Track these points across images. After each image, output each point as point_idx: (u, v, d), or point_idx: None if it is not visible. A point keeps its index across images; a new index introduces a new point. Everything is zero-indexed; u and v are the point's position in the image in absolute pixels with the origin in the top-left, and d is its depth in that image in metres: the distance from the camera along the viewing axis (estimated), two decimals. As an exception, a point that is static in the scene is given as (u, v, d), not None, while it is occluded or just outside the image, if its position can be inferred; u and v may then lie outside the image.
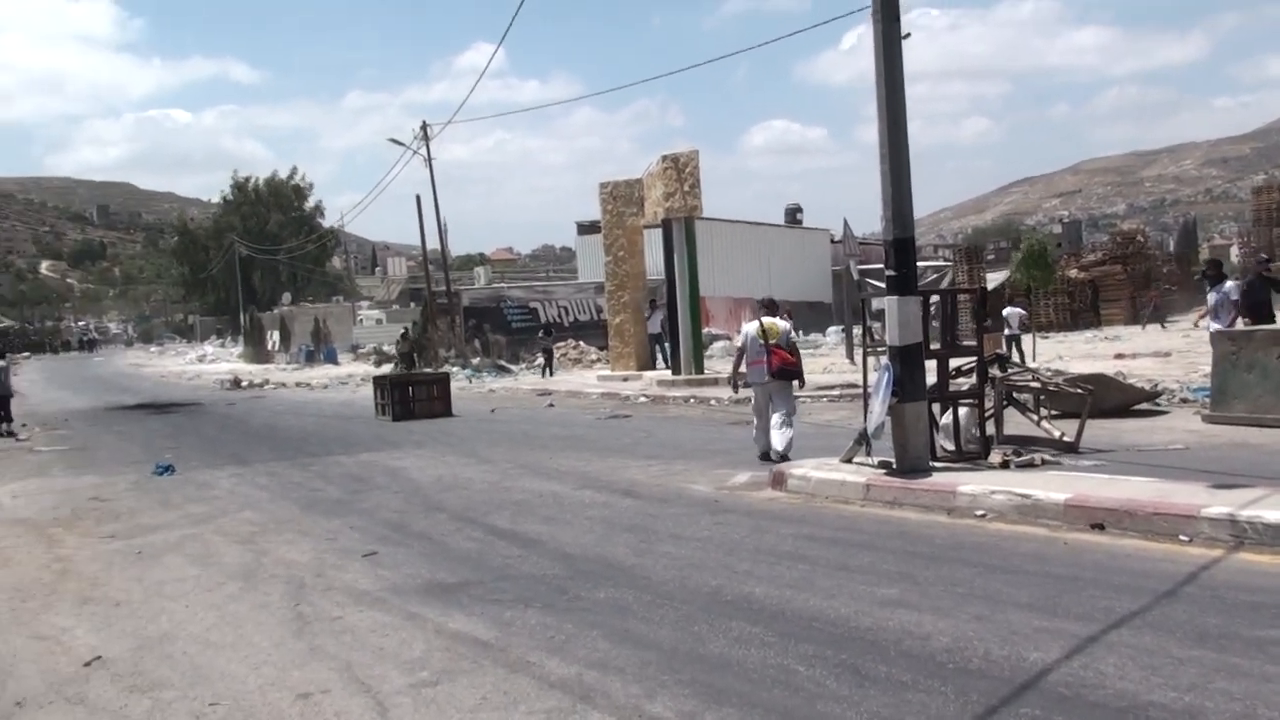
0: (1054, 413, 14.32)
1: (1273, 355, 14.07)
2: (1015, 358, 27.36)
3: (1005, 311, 31.72)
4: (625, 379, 30.77)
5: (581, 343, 46.08)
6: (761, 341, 13.83)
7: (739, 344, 15.14)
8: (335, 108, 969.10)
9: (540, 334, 44.37)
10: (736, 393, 16.40)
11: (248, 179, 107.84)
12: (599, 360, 40.59)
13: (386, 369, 41.56)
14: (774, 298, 15.30)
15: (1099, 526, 8.49)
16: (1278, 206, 69.43)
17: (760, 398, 13.88)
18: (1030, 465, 11.26)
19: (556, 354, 41.40)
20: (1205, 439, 13.25)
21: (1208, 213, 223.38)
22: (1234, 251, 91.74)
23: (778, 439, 13.44)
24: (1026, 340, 31.57)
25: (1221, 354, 14.88)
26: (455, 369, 39.43)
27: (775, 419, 13.64)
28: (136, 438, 22.42)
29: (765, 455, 13.55)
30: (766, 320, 14.06)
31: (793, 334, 14.47)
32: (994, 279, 50.33)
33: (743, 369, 14.49)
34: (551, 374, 37.74)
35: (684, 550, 8.68)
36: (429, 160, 48.02)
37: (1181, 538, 7.96)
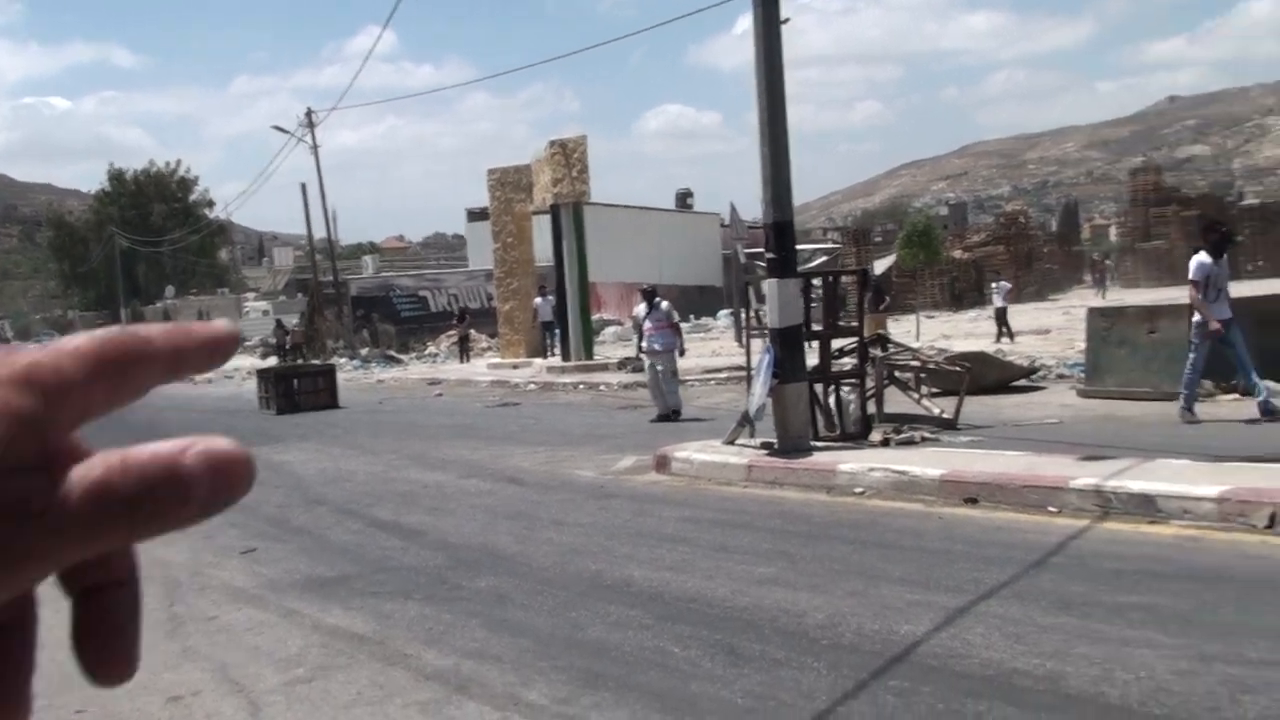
0: (935, 391, 14.56)
1: (1143, 331, 14.47)
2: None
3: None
4: (515, 366, 30.66)
5: (472, 330, 45.80)
6: (650, 322, 16.45)
7: (677, 319, 17.53)
8: (222, 93, 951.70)
9: (455, 320, 43.84)
10: (639, 357, 18.86)
11: (124, 171, 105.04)
12: (490, 348, 40.38)
13: (273, 361, 40.90)
14: (655, 286, 18.10)
15: (973, 500, 8.67)
16: (1154, 188, 71.57)
17: (650, 365, 16.39)
18: (910, 443, 11.44)
19: (446, 342, 41.13)
20: (1079, 413, 13.59)
21: (1088, 194, 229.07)
22: (1113, 232, 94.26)
23: (673, 400, 16.11)
24: (911, 320, 32.14)
25: (1095, 330, 15.28)
26: (343, 360, 38.93)
27: (667, 385, 16.11)
28: None
29: (664, 416, 15.98)
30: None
31: (674, 313, 17.26)
32: (882, 262, 51.10)
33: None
34: (467, 360, 37.43)
35: (566, 536, 8.67)
36: (314, 147, 47.27)
37: (1051, 509, 8.16)
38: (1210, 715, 4.26)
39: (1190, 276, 12.13)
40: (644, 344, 16.88)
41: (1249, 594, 5.75)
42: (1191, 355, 12.23)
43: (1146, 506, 7.72)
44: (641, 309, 17.20)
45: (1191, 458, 8.94)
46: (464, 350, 38.72)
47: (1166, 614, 5.53)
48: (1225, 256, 12.32)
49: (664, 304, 16.97)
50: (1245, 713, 4.25)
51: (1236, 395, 13.46)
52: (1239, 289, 22.45)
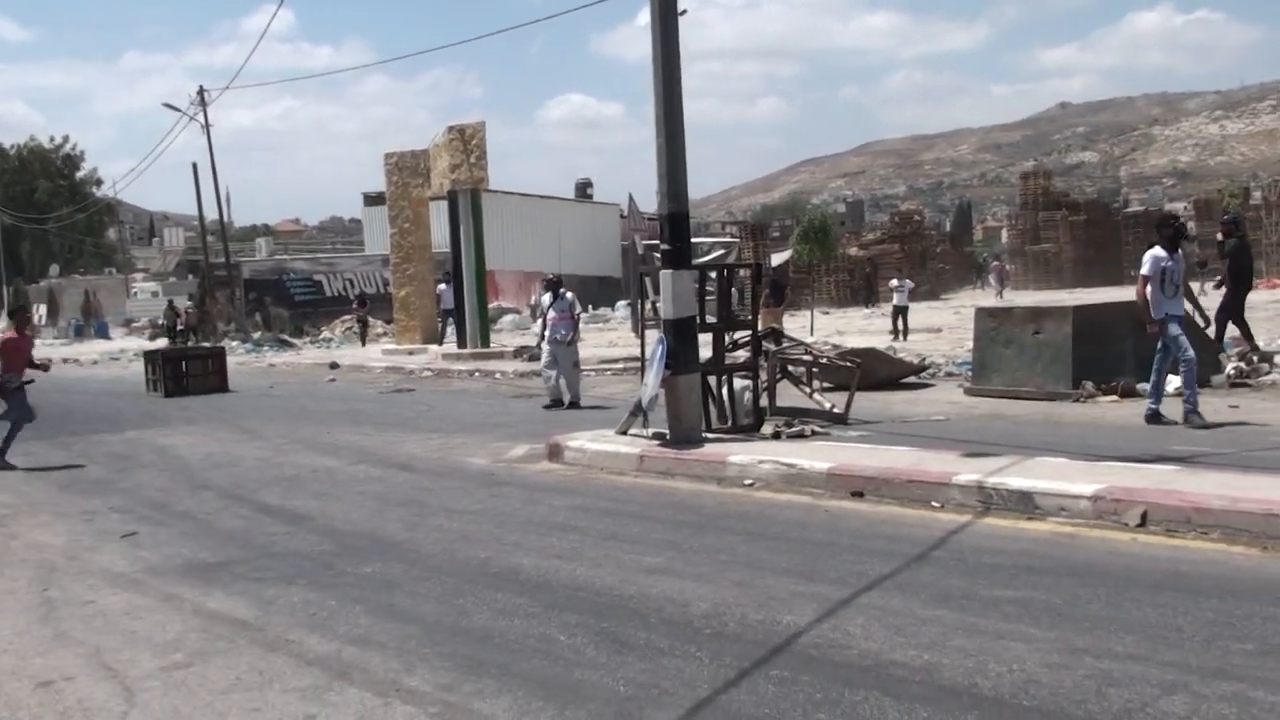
0: (826, 386, 14.73)
1: (1029, 331, 14.79)
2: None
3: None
4: (411, 352, 30.42)
5: (368, 316, 45.30)
6: (554, 312, 16.90)
7: (578, 310, 18.09)
8: (111, 69, 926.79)
9: (354, 304, 43.26)
10: (539, 346, 18.36)
11: (5, 146, 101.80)
12: (385, 334, 39.99)
13: (161, 343, 40.03)
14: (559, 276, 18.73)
15: (859, 494, 8.80)
16: (1044, 192, 73.26)
17: (552, 355, 16.66)
18: (801, 436, 11.57)
19: (340, 327, 40.65)
20: (965, 410, 13.87)
21: (981, 196, 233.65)
22: (1004, 234, 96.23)
23: (574, 390, 16.51)
24: (805, 316, 32.51)
25: (982, 330, 15.58)
26: (235, 343, 38.28)
27: (569, 376, 16.54)
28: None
29: (557, 402, 16.44)
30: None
31: (578, 305, 18.05)
32: (778, 256, 51.55)
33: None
34: (364, 345, 37.11)
35: (456, 524, 8.64)
36: (206, 127, 46.38)
37: (934, 504, 8.32)
38: (1077, 708, 4.38)
39: (1142, 271, 11.78)
40: (547, 333, 17.03)
41: (1119, 590, 5.92)
42: (1161, 354, 11.82)
43: (1025, 503, 7.91)
44: (547, 298, 17.59)
45: (1070, 456, 9.18)
46: (364, 334, 38.36)
47: (1040, 608, 5.68)
48: (1180, 251, 12.04)
49: (569, 295, 17.47)
50: (1110, 705, 4.38)
51: (1116, 397, 13.83)
52: (1121, 293, 23.03)
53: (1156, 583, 6.05)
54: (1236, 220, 18.66)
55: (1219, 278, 18.05)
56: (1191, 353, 11.56)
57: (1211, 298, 17.91)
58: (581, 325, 18.53)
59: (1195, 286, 16.14)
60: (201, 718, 4.82)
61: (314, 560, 7.67)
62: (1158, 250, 11.80)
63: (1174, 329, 11.59)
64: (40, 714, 4.99)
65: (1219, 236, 18.24)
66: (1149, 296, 11.62)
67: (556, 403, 16.50)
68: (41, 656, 5.81)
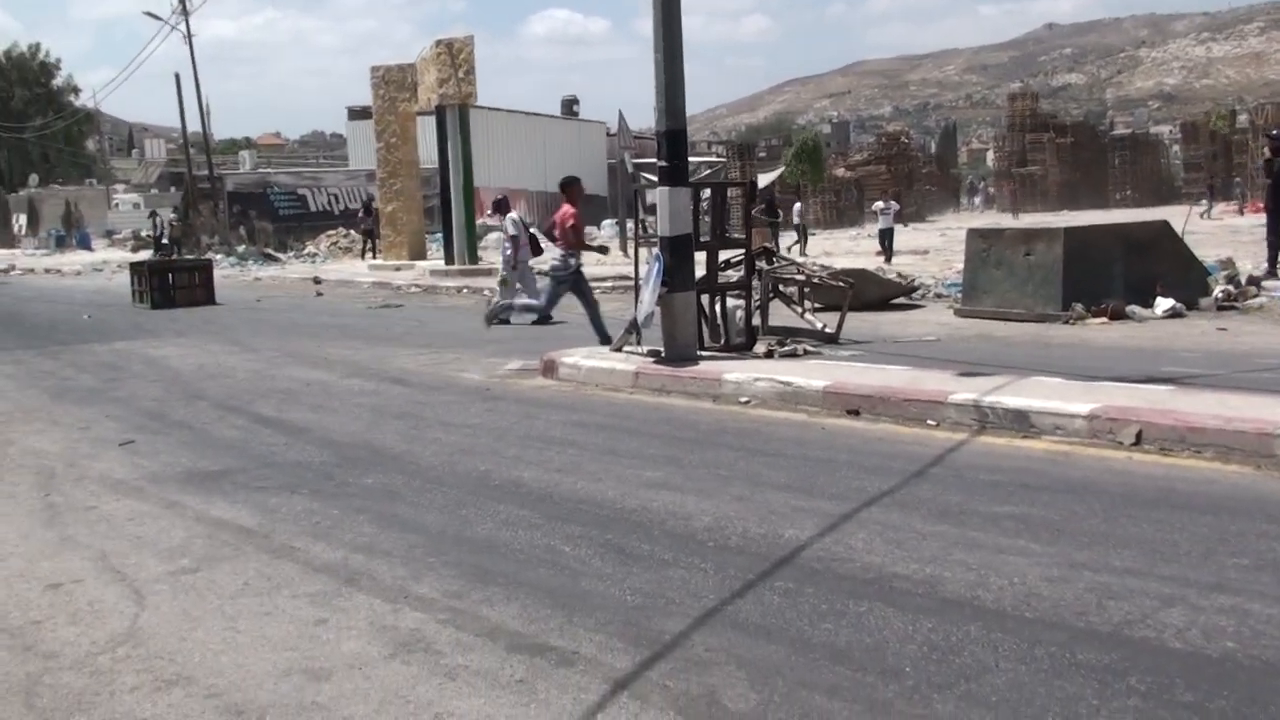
0: (817, 306, 14.77)
1: (1020, 253, 14.83)
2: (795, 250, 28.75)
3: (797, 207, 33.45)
4: (398, 268, 30.34)
5: (352, 231, 45.03)
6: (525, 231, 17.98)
7: (512, 232, 18.29)
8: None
9: (360, 213, 42.83)
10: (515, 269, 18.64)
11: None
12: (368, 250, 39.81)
13: (145, 255, 39.77)
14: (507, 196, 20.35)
15: (854, 412, 8.86)
16: (1030, 114, 72.92)
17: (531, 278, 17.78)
18: (793, 355, 11.61)
19: (325, 242, 40.38)
20: (956, 331, 13.94)
21: (967, 118, 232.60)
22: (990, 156, 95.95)
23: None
24: (794, 236, 32.50)
25: (973, 251, 15.61)
26: (219, 257, 38.05)
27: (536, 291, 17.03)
28: None
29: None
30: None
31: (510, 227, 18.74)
32: (765, 177, 51.31)
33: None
34: (375, 256, 36.66)
35: (454, 437, 8.67)
36: (188, 36, 45.90)
37: (930, 422, 8.38)
38: (1078, 619, 4.46)
39: None
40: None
41: (1115, 507, 6.00)
42: None
43: (1021, 422, 7.98)
44: (517, 217, 18.49)
45: (1064, 377, 9.25)
46: (372, 246, 37.74)
47: (1038, 524, 5.75)
48: None
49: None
50: (1111, 617, 4.46)
51: (1105, 319, 13.91)
52: (1107, 216, 23.04)
53: (1152, 499, 6.13)
54: None
55: (1205, 203, 18.03)
56: None
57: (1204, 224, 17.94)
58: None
59: (1196, 210, 16.18)
60: (212, 620, 4.87)
61: (314, 470, 7.70)
62: None
63: None
64: (52, 614, 5.03)
65: (1265, 153, 17.77)
66: None
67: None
68: (48, 560, 5.85)
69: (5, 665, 4.47)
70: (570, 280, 13.29)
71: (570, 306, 14.66)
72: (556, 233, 13.48)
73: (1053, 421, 7.84)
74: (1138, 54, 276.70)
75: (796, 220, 36.22)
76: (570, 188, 14.13)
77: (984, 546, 5.42)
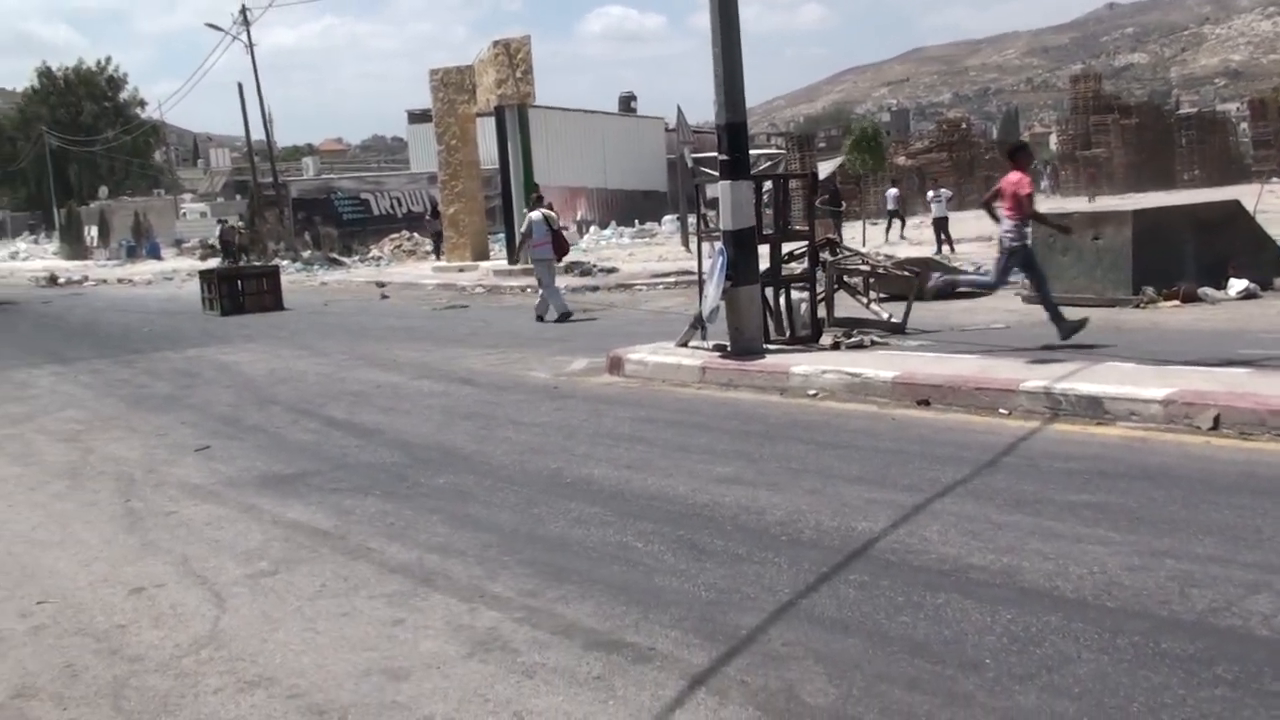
0: (883, 296, 14.65)
1: (1088, 237, 14.63)
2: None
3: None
4: (461, 269, 30.51)
5: (415, 234, 45.38)
6: (548, 227, 17.82)
7: (523, 229, 18.88)
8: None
9: (428, 216, 43.09)
10: (519, 263, 20.11)
11: (54, 69, 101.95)
12: (431, 252, 40.07)
13: (213, 263, 40.32)
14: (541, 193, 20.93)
15: (924, 402, 8.80)
16: (1094, 96, 71.85)
17: (546, 272, 17.60)
18: (860, 346, 11.55)
19: (389, 245, 40.66)
20: (1024, 318, 13.77)
21: (1028, 102, 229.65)
22: (1053, 140, 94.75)
23: (562, 304, 17.31)
24: (857, 227, 32.32)
25: (1040, 236, 15.38)
26: (285, 262, 38.50)
27: (557, 289, 17.62)
28: (-53, 337, 21.42)
29: (542, 318, 17.33)
30: (548, 211, 18.50)
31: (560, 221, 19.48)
32: (825, 167, 51.00)
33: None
34: (439, 257, 36.71)
35: (524, 436, 8.71)
36: (250, 46, 46.44)
37: (1001, 411, 8.30)
38: (1161, 608, 4.40)
39: None
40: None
41: (1195, 493, 5.90)
42: None
43: (1095, 408, 7.88)
44: (539, 215, 18.11)
45: (1137, 361, 9.11)
46: (438, 247, 37.81)
47: (1116, 512, 5.68)
48: None
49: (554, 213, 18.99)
50: (1195, 605, 4.39)
51: (1177, 301, 13.69)
52: (1174, 197, 22.66)
53: (1232, 485, 6.03)
54: None
55: (1277, 181, 17.66)
56: None
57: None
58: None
59: (1267, 188, 15.81)
60: (292, 622, 4.93)
61: (387, 472, 7.77)
62: None
63: None
64: (136, 618, 5.12)
65: None
66: None
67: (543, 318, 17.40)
68: (131, 564, 5.96)
69: (93, 669, 4.55)
70: (1022, 253, 12.27)
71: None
72: (1008, 203, 12.11)
73: (1128, 407, 7.73)
74: (1201, 31, 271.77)
75: (893, 206, 36.98)
76: (1019, 153, 12.90)
77: (1061, 536, 5.35)
